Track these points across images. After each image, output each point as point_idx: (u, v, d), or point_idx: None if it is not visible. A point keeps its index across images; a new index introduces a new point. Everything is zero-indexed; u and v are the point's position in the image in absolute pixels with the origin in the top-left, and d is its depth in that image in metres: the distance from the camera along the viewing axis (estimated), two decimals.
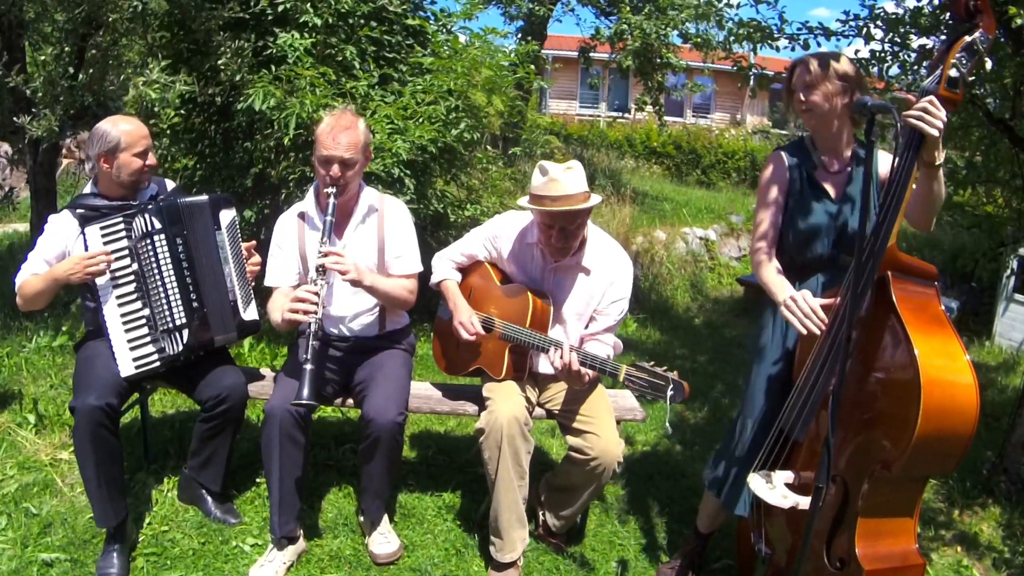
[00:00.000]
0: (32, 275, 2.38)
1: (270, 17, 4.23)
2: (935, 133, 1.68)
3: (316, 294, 2.31)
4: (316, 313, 2.29)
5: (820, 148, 2.17)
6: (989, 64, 1.81)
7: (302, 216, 2.57)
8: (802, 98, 2.07)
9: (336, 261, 2.33)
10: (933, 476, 1.96)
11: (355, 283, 2.40)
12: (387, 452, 2.41)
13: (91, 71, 4.15)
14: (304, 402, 2.20)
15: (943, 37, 1.81)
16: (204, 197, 2.51)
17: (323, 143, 2.40)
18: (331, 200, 2.40)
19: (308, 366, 2.22)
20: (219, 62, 4.03)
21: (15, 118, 3.96)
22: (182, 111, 4.74)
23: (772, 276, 2.11)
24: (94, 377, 2.33)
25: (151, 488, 2.75)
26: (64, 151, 7.95)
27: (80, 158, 8.75)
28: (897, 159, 1.71)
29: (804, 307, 1.89)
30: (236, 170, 4.48)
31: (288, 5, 4.16)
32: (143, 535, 2.52)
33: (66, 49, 4.17)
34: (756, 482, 1.96)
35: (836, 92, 2.03)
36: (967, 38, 1.69)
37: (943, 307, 1.84)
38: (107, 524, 2.31)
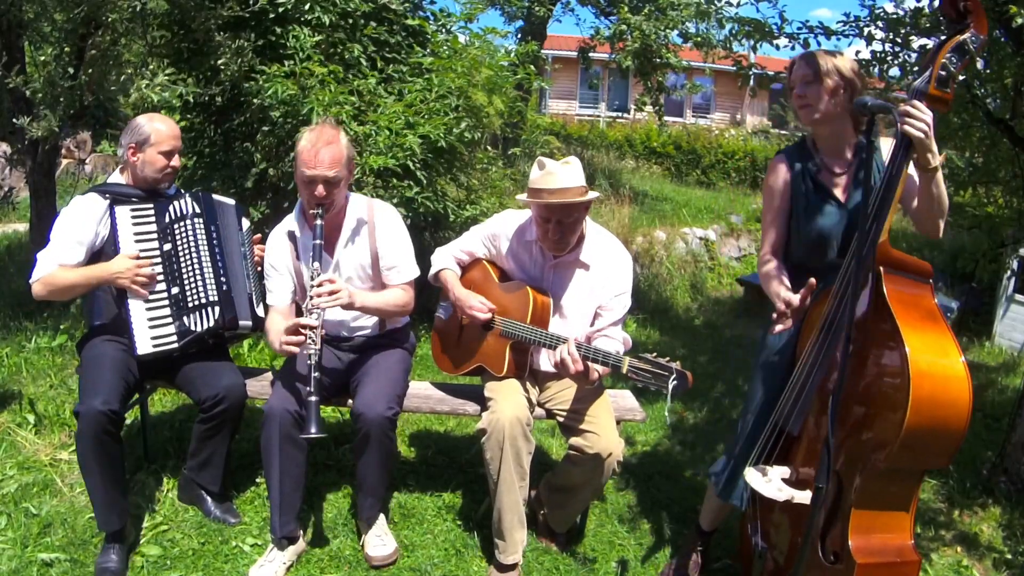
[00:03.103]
0: (65, 268, 2.37)
1: (271, 16, 4.23)
2: (919, 135, 1.69)
3: (312, 328, 2.27)
4: (314, 344, 2.26)
5: (821, 149, 2.14)
6: (980, 64, 1.84)
7: (291, 236, 2.53)
8: (799, 93, 2.06)
9: (329, 291, 2.28)
10: (927, 469, 1.95)
11: (348, 308, 2.41)
12: (378, 448, 2.39)
13: (91, 71, 4.14)
14: (313, 435, 2.23)
15: (942, 37, 1.82)
16: (232, 200, 2.77)
17: (305, 161, 2.29)
18: (318, 223, 2.33)
19: (312, 398, 2.24)
20: (219, 62, 4.04)
21: (15, 119, 3.96)
22: (179, 110, 4.72)
23: (776, 292, 2.10)
24: (100, 380, 2.33)
25: (151, 488, 2.75)
26: (64, 151, 7.94)
27: (79, 158, 8.75)
28: (889, 158, 1.73)
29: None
30: (236, 170, 4.47)
31: (289, 4, 4.16)
32: (143, 535, 2.52)
33: (66, 49, 4.17)
34: (752, 475, 1.97)
35: (834, 89, 2.01)
36: (959, 37, 1.73)
37: (939, 305, 1.85)
38: (110, 528, 2.32)
